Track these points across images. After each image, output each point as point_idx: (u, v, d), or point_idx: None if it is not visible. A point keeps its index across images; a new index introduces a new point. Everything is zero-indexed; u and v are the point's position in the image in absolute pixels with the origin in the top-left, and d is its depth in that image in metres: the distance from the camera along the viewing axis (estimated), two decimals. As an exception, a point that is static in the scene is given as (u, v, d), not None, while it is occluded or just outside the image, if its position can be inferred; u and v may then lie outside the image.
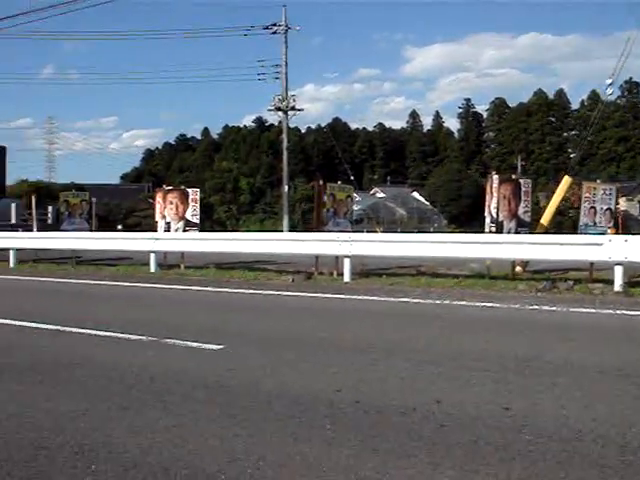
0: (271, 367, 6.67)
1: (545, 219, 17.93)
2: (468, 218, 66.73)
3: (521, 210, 16.24)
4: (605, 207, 15.95)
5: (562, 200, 18.65)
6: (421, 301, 11.98)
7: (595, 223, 15.78)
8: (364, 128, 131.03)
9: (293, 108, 42.32)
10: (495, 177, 16.24)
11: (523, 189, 16.38)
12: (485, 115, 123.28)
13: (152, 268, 17.97)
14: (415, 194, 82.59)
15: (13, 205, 36.05)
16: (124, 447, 4.42)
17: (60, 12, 27.04)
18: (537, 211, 20.77)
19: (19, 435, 4.72)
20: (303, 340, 8.17)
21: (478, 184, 77.07)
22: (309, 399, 5.48)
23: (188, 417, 5.05)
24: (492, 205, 15.92)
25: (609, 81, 20.48)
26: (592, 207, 15.83)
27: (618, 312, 10.55)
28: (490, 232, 15.82)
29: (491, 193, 16.01)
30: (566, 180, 18.36)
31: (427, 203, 76.67)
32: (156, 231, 19.32)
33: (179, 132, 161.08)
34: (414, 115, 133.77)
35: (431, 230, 58.04)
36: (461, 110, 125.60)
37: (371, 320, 9.99)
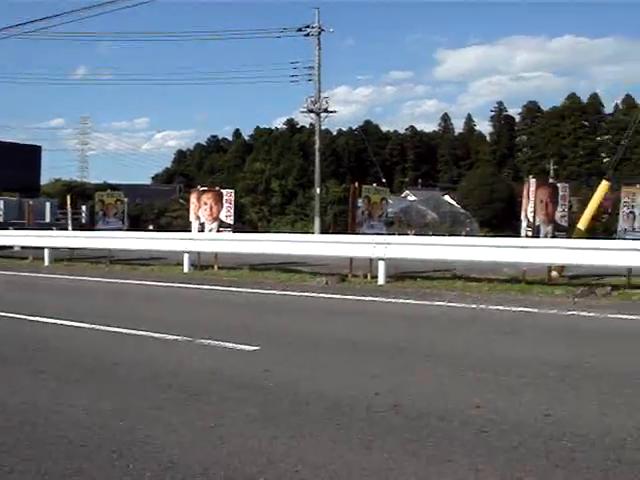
0: (308, 369, 6.63)
1: (582, 224, 17.74)
2: (501, 222, 65.93)
3: (558, 214, 16.08)
4: None
5: (599, 205, 18.48)
6: (457, 305, 11.87)
7: (634, 228, 15.58)
8: (395, 131, 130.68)
9: (326, 110, 42.24)
10: (532, 181, 16.08)
11: (560, 193, 16.22)
12: (517, 119, 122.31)
13: (186, 268, 18.00)
14: (447, 197, 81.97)
15: (47, 204, 36.35)
16: (162, 447, 4.39)
17: (94, 14, 27.20)
18: (570, 216, 20.82)
19: (59, 432, 4.72)
20: (339, 342, 8.11)
21: (510, 188, 76.52)
22: (347, 402, 5.42)
23: (226, 418, 5.01)
24: (529, 209, 15.75)
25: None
26: (631, 212, 15.62)
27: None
28: (526, 236, 15.63)
29: (528, 197, 15.84)
30: (604, 185, 18.16)
31: (459, 206, 76.05)
32: (189, 231, 19.37)
33: (210, 133, 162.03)
34: (445, 118, 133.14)
35: (463, 234, 57.54)
36: (493, 113, 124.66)
37: (407, 324, 9.92)
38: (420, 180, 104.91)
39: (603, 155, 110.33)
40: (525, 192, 16.06)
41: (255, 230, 54.29)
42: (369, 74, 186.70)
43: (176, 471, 3.99)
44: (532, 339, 8.68)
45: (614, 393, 5.77)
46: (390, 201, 19.75)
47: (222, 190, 19.51)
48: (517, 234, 16.19)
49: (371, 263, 15.98)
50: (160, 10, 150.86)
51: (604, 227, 52.33)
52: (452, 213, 71.15)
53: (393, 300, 12.49)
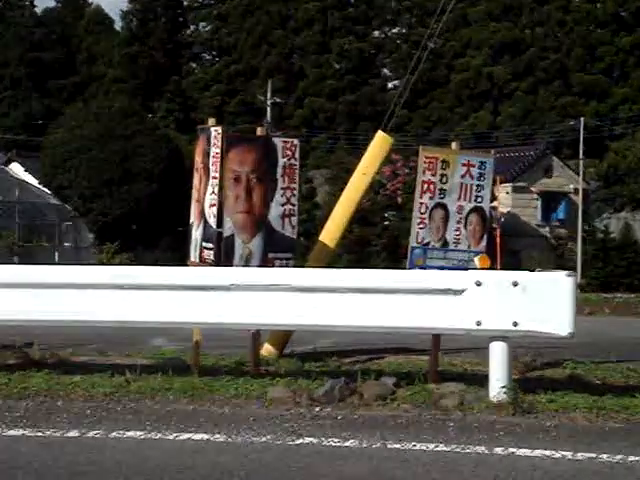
0: None
1: (334, 229, 18.58)
2: (149, 226, 67.32)
3: (276, 209, 16.75)
4: (470, 206, 16.73)
5: (370, 186, 19.40)
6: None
7: (446, 241, 16.48)
8: None
9: None
10: (214, 131, 16.57)
11: (282, 159, 16.93)
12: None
13: None
14: (14, 167, 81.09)
15: None
16: None
17: None
18: (308, 212, 21.86)
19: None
20: None
21: (173, 148, 78.12)
22: None
23: None
24: (208, 198, 16.23)
25: None
26: (440, 204, 16.47)
27: (497, 452, 11.06)
28: (203, 261, 16.20)
29: (205, 171, 16.40)
30: (381, 140, 19.06)
31: (45, 190, 75.41)
32: None
33: None
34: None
35: (57, 255, 57.79)
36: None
37: None
38: None
39: (388, 73, 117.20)
40: (199, 158, 16.64)
41: None
42: None
43: None
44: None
45: None
46: None
47: None
48: (183, 257, 16.67)
49: None
50: None
51: (392, 238, 55.20)
52: (30, 206, 71.04)
53: None
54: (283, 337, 17.45)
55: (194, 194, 16.71)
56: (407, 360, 16.28)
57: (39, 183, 74.02)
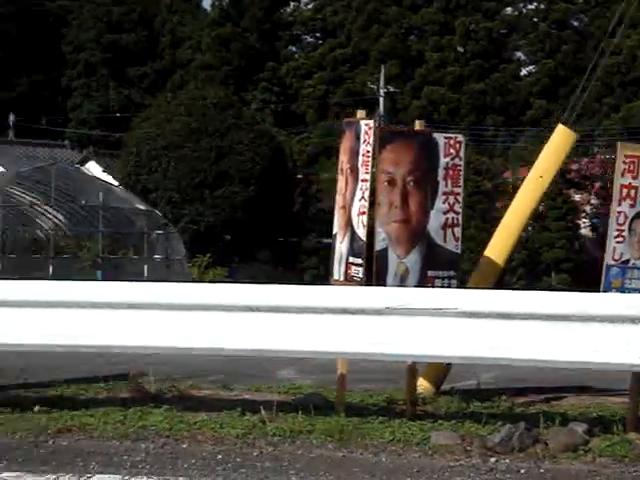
0: None
1: (505, 237, 18.43)
2: (232, 232, 66.82)
3: (436, 215, 16.63)
4: None
5: (547, 189, 19.26)
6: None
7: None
8: None
9: None
10: (365, 125, 16.40)
11: (444, 157, 16.78)
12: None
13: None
14: (92, 165, 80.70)
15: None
16: None
17: None
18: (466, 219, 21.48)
19: None
20: None
21: (279, 149, 77.71)
22: None
23: None
24: (357, 204, 16.06)
25: None
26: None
27: None
28: (350, 279, 16.22)
29: (352, 171, 16.35)
30: (564, 136, 18.84)
31: (126, 193, 74.64)
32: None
33: None
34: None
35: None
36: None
37: None
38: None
39: (525, 74, 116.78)
40: (344, 157, 16.69)
41: None
42: None
43: None
44: None
45: None
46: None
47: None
48: (322, 275, 16.51)
49: None
50: None
51: (529, 247, 54.55)
52: (115, 212, 70.42)
53: None
54: (441, 370, 17.31)
55: (338, 200, 16.59)
56: (594, 402, 15.97)
57: (119, 185, 73.28)
